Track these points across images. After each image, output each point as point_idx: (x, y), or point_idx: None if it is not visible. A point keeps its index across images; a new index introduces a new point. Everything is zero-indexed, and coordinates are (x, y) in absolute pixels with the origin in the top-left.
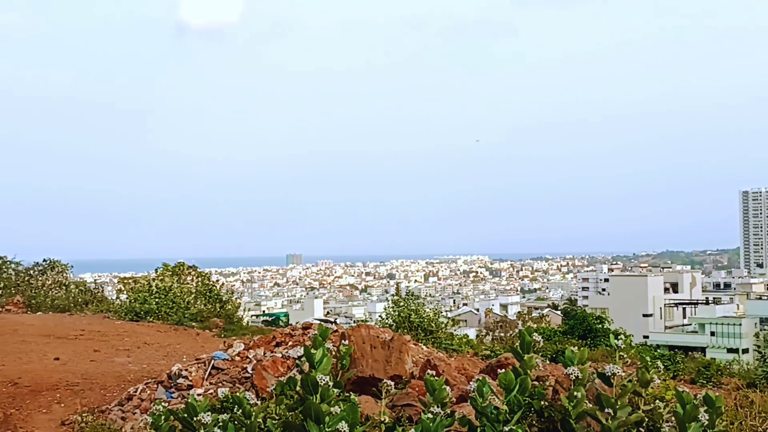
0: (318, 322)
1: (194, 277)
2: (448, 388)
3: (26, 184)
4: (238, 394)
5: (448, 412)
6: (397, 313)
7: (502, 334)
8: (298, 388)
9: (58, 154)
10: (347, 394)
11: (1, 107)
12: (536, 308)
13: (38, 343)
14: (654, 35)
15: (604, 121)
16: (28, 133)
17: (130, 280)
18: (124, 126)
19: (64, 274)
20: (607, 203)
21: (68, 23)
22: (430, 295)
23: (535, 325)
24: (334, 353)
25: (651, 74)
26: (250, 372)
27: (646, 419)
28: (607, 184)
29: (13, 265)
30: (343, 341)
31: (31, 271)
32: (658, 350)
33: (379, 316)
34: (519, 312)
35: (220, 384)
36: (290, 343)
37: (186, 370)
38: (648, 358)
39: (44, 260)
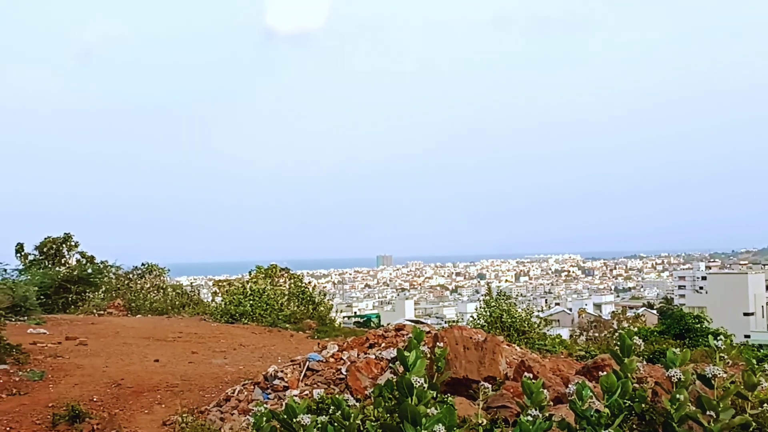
0: (410, 323)
1: (287, 279)
2: (545, 391)
3: (128, 195)
4: (333, 395)
5: (546, 415)
6: (488, 314)
7: (596, 334)
8: (394, 390)
9: (155, 166)
10: (443, 396)
11: (108, 122)
12: (631, 307)
13: (139, 345)
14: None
15: (698, 102)
16: (125, 146)
17: (224, 283)
18: (215, 134)
19: (162, 278)
20: (702, 198)
21: (161, 34)
22: (521, 294)
23: (629, 325)
24: (428, 355)
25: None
26: (345, 373)
27: (753, 423)
28: (699, 175)
29: (113, 270)
30: (438, 344)
31: (131, 275)
32: (761, 350)
33: (471, 316)
34: (613, 311)
35: (315, 385)
36: (383, 344)
37: (281, 371)
38: (754, 360)
39: (142, 264)
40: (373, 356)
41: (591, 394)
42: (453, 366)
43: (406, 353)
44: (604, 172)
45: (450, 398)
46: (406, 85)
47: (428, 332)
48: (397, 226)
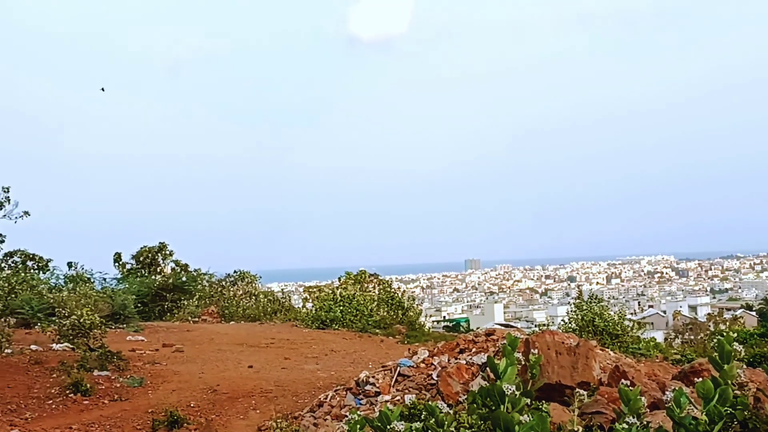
0: (500, 327)
1: (376, 285)
2: (643, 398)
3: (220, 206)
4: (425, 401)
5: (644, 422)
6: (580, 317)
7: (692, 337)
8: (487, 398)
9: (245, 177)
10: (537, 403)
11: (196, 135)
12: (728, 309)
13: (233, 351)
14: None
15: None
16: (214, 158)
17: (315, 289)
18: (302, 143)
19: (254, 285)
20: None
21: (246, 47)
22: (613, 297)
23: (726, 327)
24: (521, 361)
25: None
26: (435, 379)
27: None
28: None
29: (207, 277)
30: (532, 350)
31: (224, 283)
32: None
33: (562, 320)
34: (709, 313)
35: (407, 391)
36: (474, 349)
37: (373, 377)
38: None
39: (235, 272)
40: (464, 361)
41: (689, 400)
42: (545, 371)
43: (496, 360)
44: (699, 159)
45: (544, 405)
46: (489, 87)
47: (520, 337)
48: (485, 230)
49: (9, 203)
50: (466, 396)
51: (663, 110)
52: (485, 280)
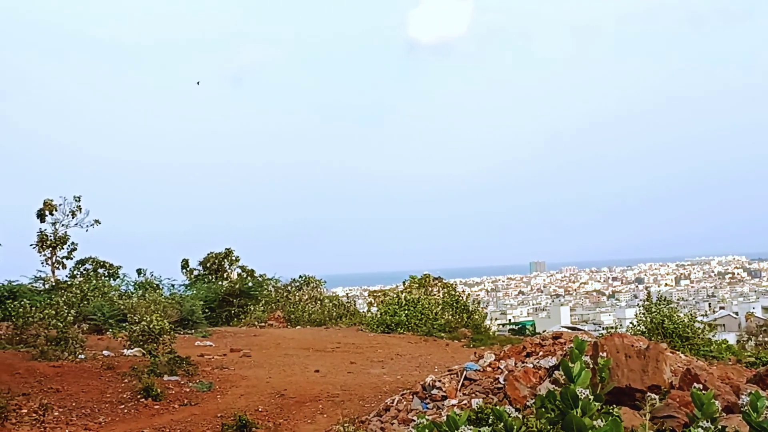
0: (566, 330)
1: (440, 288)
2: (717, 402)
3: (284, 213)
4: (492, 405)
5: (719, 427)
6: (649, 320)
7: (766, 339)
8: (557, 402)
9: (308, 184)
10: (608, 407)
11: (259, 143)
12: None
13: (299, 356)
14: None
15: None
16: (277, 167)
17: (379, 293)
18: (363, 149)
19: (319, 289)
20: None
21: (307, 54)
22: (682, 299)
23: None
24: (590, 365)
25: None
26: (502, 382)
27: None
28: None
29: (272, 282)
30: (600, 354)
31: (289, 287)
32: None
33: (630, 323)
34: None
35: (473, 395)
36: (541, 353)
37: (439, 380)
38: None
39: (300, 277)
40: (531, 365)
41: (766, 404)
42: (615, 375)
43: (570, 364)
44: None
45: (615, 409)
46: (550, 85)
47: (588, 340)
48: (549, 231)
49: (81, 212)
50: (533, 400)
51: (730, 98)
52: (550, 283)
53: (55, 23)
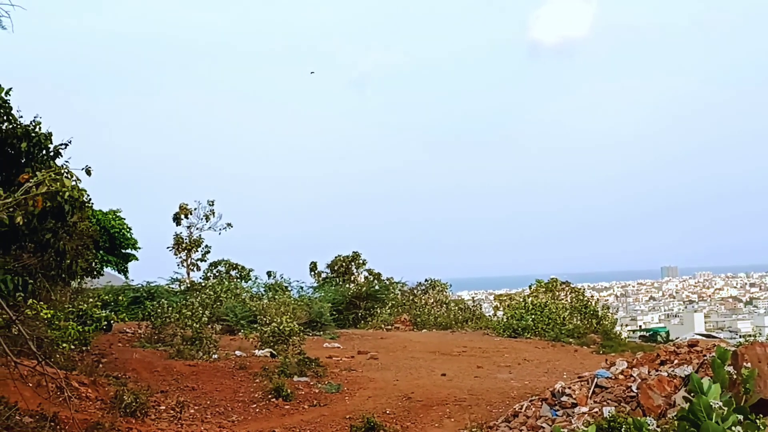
0: (701, 337)
1: (568, 293)
2: None
3: (412, 216)
4: (624, 413)
5: None
6: None
7: None
8: (691, 414)
9: (433, 188)
10: (753, 416)
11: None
12: None
13: (425, 359)
14: None
15: None
16: (400, 172)
17: (505, 298)
18: (486, 153)
19: (444, 293)
20: None
21: (428, 59)
22: None
23: None
24: (732, 375)
25: None
26: (635, 391)
27: None
28: None
29: (399, 286)
30: (744, 364)
31: (415, 291)
32: None
33: None
34: None
35: (604, 403)
36: (676, 361)
37: (569, 387)
38: None
39: (426, 280)
40: (666, 373)
41: None
42: (757, 386)
43: (703, 375)
44: None
45: (760, 420)
46: (673, 85)
47: (729, 349)
48: (682, 235)
49: (214, 215)
50: (668, 409)
51: None
52: (683, 288)
53: (188, 38)
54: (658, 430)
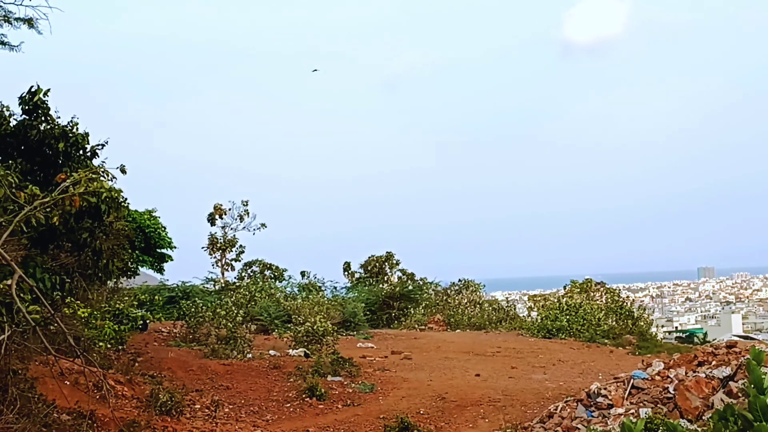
0: (739, 339)
1: (603, 294)
2: None
3: (446, 217)
4: (661, 415)
5: None
6: None
7: None
8: (744, 413)
9: (463, 189)
10: None
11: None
12: None
13: (459, 359)
14: None
15: None
16: (430, 172)
17: (539, 298)
18: (519, 151)
19: (478, 293)
20: None
21: (462, 59)
22: None
23: None
24: None
25: None
26: (672, 392)
27: None
28: None
29: (432, 286)
30: None
31: (449, 291)
32: None
33: None
34: None
35: (641, 404)
36: (714, 362)
37: (605, 388)
38: None
39: (459, 280)
40: (703, 375)
41: None
42: None
43: (764, 373)
44: None
45: None
46: (714, 82)
47: (765, 350)
48: (718, 234)
49: (248, 216)
50: (705, 411)
51: None
52: (720, 289)
53: (219, 41)
54: (698, 430)
